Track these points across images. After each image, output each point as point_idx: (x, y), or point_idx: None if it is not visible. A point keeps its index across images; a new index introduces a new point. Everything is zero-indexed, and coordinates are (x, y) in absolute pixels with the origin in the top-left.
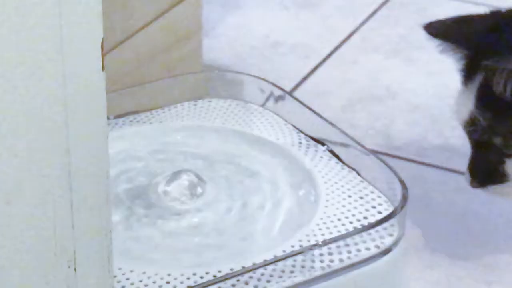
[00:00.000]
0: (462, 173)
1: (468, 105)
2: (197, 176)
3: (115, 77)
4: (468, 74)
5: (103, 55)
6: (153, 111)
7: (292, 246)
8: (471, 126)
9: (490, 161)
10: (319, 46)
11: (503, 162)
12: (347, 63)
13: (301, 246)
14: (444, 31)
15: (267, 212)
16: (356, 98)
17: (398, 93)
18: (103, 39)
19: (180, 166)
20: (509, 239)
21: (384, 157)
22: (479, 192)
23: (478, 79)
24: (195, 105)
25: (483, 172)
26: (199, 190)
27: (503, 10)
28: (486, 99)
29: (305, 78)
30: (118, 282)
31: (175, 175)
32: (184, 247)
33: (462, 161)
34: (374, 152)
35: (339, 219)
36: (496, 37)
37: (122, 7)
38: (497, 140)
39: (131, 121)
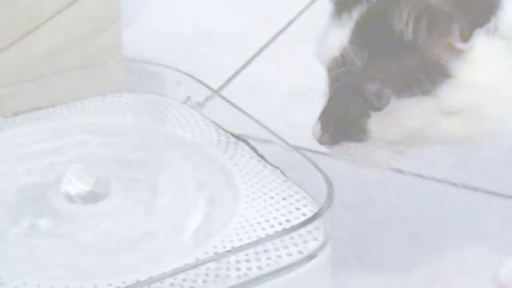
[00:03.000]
0: (407, 174)
1: (339, 40)
2: (100, 177)
3: (20, 72)
4: (345, 2)
5: None
6: (56, 108)
7: (206, 253)
8: (339, 67)
9: (353, 112)
10: (254, 35)
11: (367, 116)
12: (285, 55)
13: (215, 252)
14: None
15: (179, 216)
16: (295, 93)
17: None
18: None
19: (82, 167)
20: (457, 244)
21: (325, 158)
22: (425, 194)
23: (358, 9)
24: (103, 100)
25: (339, 124)
26: (102, 193)
27: None
28: (365, 33)
29: (238, 72)
30: None
31: (76, 177)
32: (86, 256)
33: (409, 162)
34: (313, 152)
35: (259, 223)
36: None
37: None
38: (371, 87)
39: (31, 118)
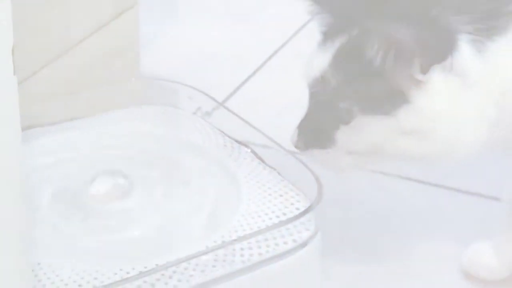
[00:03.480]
0: (385, 174)
1: (321, 63)
2: (125, 176)
3: (55, 88)
4: (330, 34)
5: (14, 60)
6: (87, 118)
7: (215, 242)
8: (318, 85)
9: (325, 123)
10: (253, 56)
11: (337, 128)
12: (279, 72)
13: (223, 241)
14: None
15: (192, 210)
16: (289, 104)
17: None
18: (13, 45)
19: (109, 168)
20: (426, 235)
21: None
22: (399, 191)
23: (340, 40)
24: (126, 111)
25: (312, 133)
26: (127, 190)
27: None
28: (342, 59)
29: (240, 87)
30: (48, 278)
31: (104, 176)
32: (111, 245)
33: (388, 165)
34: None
35: (259, 216)
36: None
37: (60, 20)
38: (342, 105)
39: (65, 127)
